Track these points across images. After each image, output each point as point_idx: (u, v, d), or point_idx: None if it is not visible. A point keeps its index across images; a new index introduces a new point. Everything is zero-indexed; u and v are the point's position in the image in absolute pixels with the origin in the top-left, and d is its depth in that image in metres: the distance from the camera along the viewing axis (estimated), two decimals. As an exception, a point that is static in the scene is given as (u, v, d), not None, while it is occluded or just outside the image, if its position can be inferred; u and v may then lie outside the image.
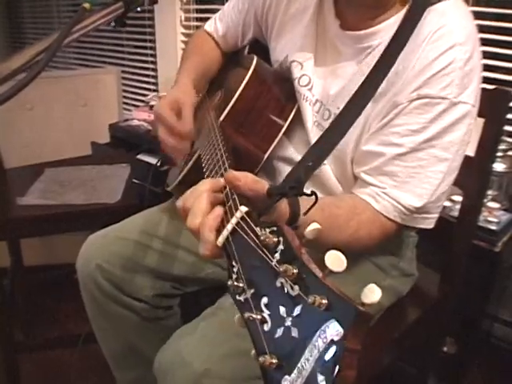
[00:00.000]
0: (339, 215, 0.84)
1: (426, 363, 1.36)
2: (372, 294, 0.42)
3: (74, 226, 1.54)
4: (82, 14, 0.71)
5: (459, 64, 0.83)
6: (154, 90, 2.83)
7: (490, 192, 1.48)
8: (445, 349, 1.48)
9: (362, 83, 0.83)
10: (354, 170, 0.95)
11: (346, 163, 0.95)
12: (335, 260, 0.46)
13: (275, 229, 0.51)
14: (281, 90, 1.04)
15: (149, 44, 2.82)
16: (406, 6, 0.88)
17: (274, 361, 0.46)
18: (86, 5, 0.72)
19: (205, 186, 0.64)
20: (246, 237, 0.54)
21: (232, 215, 0.57)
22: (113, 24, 0.76)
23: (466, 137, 0.87)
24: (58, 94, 2.27)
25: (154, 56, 2.80)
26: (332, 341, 0.41)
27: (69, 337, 1.79)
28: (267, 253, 0.50)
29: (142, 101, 2.78)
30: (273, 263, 0.49)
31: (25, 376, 1.63)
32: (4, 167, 1.72)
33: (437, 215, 0.93)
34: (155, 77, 2.84)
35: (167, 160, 1.18)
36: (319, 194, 0.98)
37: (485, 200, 1.36)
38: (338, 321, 0.41)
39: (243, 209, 0.57)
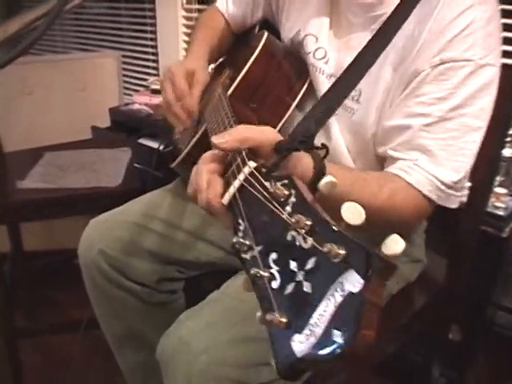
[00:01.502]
0: (369, 180, 0.78)
1: (431, 350, 1.34)
2: (395, 245, 0.38)
3: (74, 210, 1.52)
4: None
5: (480, 23, 0.78)
6: (155, 75, 2.79)
7: (497, 177, 1.45)
8: (450, 336, 1.46)
9: (374, 35, 0.80)
10: (378, 150, 0.89)
11: (367, 139, 0.90)
12: (353, 212, 0.42)
13: (286, 181, 0.48)
14: (292, 66, 1.01)
15: (149, 28, 2.77)
16: None
17: (284, 320, 0.42)
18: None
19: (203, 161, 0.62)
20: (254, 192, 0.52)
21: (239, 172, 0.55)
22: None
23: (492, 104, 0.83)
24: (58, 79, 2.23)
25: (154, 40, 2.76)
26: (351, 293, 0.38)
27: (70, 323, 1.79)
28: (277, 206, 0.48)
29: (143, 85, 2.75)
30: (284, 216, 0.46)
31: (26, 362, 1.61)
32: (3, 151, 1.70)
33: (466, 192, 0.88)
34: (156, 61, 2.81)
35: (171, 140, 1.16)
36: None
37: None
38: (357, 271, 0.38)
39: (252, 164, 0.54)
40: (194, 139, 0.96)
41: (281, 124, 0.96)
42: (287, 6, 1.05)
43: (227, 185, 0.57)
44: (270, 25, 1.14)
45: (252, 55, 0.96)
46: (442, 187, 0.82)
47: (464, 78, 0.79)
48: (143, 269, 1.07)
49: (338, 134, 0.93)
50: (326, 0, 0.97)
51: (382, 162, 0.91)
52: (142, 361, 1.14)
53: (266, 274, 0.46)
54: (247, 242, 0.50)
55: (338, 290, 0.39)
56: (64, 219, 1.61)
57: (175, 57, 2.55)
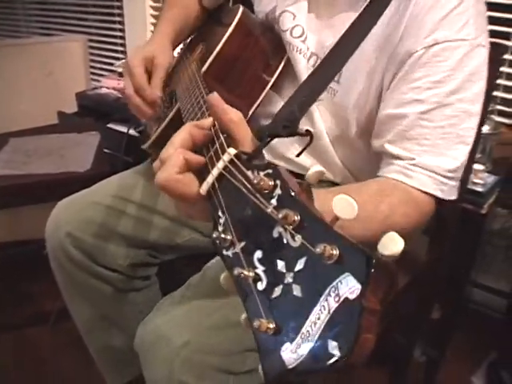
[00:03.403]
0: (364, 202, 0.71)
1: (413, 330, 1.33)
2: (392, 244, 0.34)
3: (41, 197, 1.46)
4: None
5: (472, 1, 0.75)
6: (123, 59, 2.73)
7: (474, 154, 1.45)
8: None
9: (359, 15, 0.77)
10: (375, 145, 0.84)
11: (348, 123, 0.87)
12: (344, 206, 0.38)
13: (271, 171, 0.44)
14: (268, 42, 0.97)
15: (116, 11, 2.71)
16: None
17: (272, 325, 0.39)
18: None
19: (182, 133, 0.57)
20: (235, 182, 0.47)
21: (218, 159, 0.50)
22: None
23: (484, 88, 0.79)
24: (23, 63, 2.19)
25: (121, 23, 2.70)
26: (347, 299, 0.34)
27: (40, 315, 1.74)
28: (261, 199, 0.43)
29: (111, 70, 2.68)
30: (269, 210, 0.42)
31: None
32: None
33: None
34: (124, 45, 2.75)
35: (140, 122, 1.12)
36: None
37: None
38: (353, 275, 0.34)
39: (232, 151, 0.50)
40: (168, 119, 0.92)
41: (257, 102, 0.93)
42: None
43: (205, 172, 0.52)
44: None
45: (227, 30, 0.92)
46: (444, 180, 0.77)
47: (460, 59, 0.75)
48: (114, 253, 1.03)
49: (319, 117, 0.89)
50: None
51: (362, 149, 0.87)
52: (117, 352, 1.10)
53: (251, 274, 0.42)
54: (228, 237, 0.46)
55: (332, 295, 0.35)
56: (32, 208, 1.56)
57: (143, 39, 2.49)
